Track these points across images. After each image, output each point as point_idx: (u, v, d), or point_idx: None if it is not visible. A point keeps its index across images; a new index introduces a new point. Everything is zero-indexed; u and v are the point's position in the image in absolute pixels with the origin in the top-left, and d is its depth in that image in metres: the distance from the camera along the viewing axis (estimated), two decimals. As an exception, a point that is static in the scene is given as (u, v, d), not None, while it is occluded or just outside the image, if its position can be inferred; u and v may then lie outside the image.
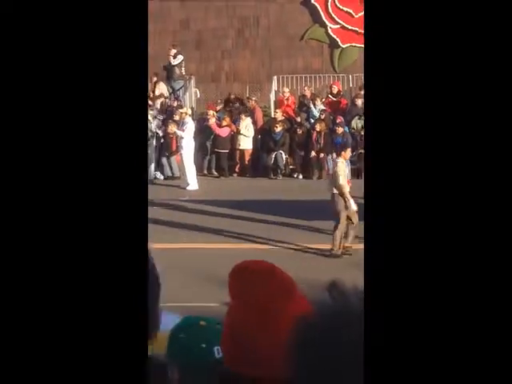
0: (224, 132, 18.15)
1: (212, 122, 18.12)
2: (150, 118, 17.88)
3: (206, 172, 18.04)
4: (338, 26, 21.72)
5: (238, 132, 18.17)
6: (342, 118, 18.04)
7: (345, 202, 10.75)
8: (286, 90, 20.18)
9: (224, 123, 18.29)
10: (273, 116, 19.27)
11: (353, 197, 10.77)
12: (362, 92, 16.23)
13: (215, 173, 18.09)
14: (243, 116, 18.45)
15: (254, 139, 18.39)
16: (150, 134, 17.51)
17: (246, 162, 18.23)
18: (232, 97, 20.57)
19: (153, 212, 13.25)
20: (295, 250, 10.63)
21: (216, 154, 18.09)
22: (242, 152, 18.23)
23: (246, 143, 18.23)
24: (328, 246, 10.77)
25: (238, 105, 20.17)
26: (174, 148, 17.70)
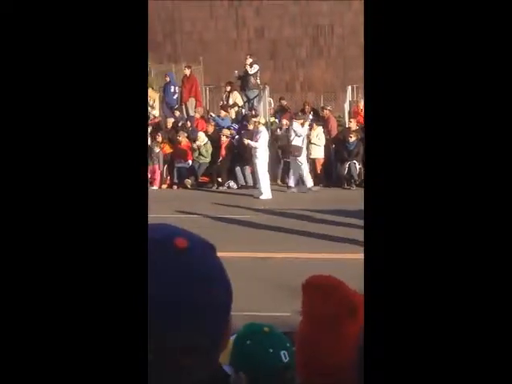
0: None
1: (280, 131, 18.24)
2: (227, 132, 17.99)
3: (279, 182, 18.06)
4: (415, 35, 21.48)
5: (310, 141, 18.12)
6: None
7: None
8: (362, 100, 20.02)
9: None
10: (347, 126, 19.16)
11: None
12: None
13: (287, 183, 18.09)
14: (314, 125, 18.38)
15: (326, 148, 18.30)
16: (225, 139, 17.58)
17: (318, 172, 18.15)
18: (306, 106, 20.52)
19: (227, 221, 13.39)
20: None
21: (285, 164, 18.11)
22: (314, 161, 18.16)
23: (317, 152, 18.15)
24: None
25: (311, 114, 20.12)
26: (248, 157, 17.75)
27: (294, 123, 17.58)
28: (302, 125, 17.60)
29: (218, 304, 1.31)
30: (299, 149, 17.17)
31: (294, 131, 17.23)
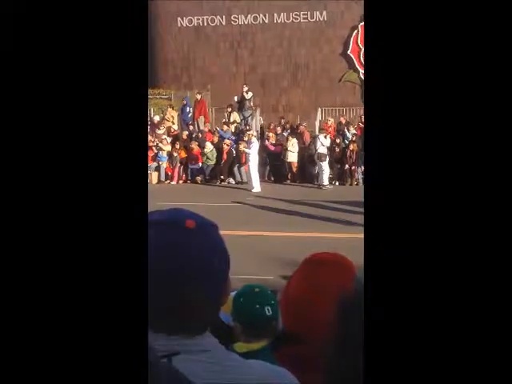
0: (275, 149, 18.22)
1: (267, 142, 18.39)
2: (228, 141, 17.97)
3: (266, 179, 18.09)
4: (368, 71, 21.50)
5: (286, 149, 18.19)
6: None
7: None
8: (331, 119, 20.11)
9: (276, 143, 18.44)
10: (317, 138, 19.18)
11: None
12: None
13: (272, 180, 18.15)
14: (290, 137, 18.49)
15: (299, 154, 18.29)
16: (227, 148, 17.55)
17: (294, 171, 18.20)
18: (286, 124, 20.55)
19: (227, 207, 13.36)
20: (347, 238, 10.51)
21: (270, 166, 18.21)
22: (289, 164, 18.29)
23: (292, 157, 18.22)
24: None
25: (289, 130, 20.15)
26: (243, 160, 17.80)
27: (320, 136, 17.47)
28: (326, 137, 17.48)
29: (218, 270, 1.28)
30: (324, 156, 17.07)
31: (321, 142, 17.18)
